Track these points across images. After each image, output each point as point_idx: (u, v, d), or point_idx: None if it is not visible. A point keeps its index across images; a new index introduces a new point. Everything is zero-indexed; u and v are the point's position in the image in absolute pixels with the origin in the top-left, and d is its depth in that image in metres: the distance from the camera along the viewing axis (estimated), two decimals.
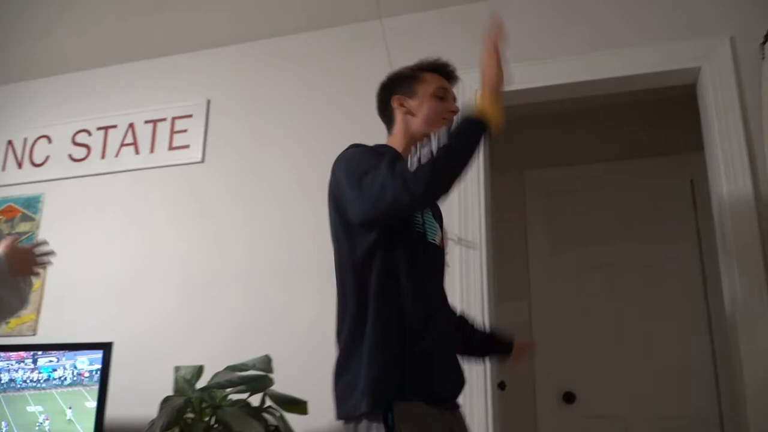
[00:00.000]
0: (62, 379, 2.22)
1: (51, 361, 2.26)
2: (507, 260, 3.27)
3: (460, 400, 1.44)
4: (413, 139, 1.54)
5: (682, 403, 2.89)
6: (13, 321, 2.70)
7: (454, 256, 2.25)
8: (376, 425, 1.24)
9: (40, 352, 2.28)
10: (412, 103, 1.55)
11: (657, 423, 2.90)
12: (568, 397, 3.07)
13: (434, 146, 1.26)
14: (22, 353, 2.29)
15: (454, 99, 1.59)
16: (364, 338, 1.31)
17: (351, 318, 1.35)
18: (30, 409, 2.20)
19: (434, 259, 1.47)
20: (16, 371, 2.27)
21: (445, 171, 1.26)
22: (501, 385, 2.94)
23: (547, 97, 2.38)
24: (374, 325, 1.31)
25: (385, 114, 1.61)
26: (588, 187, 3.26)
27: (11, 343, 2.51)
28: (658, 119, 3.21)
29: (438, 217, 1.59)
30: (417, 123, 1.54)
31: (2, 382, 2.26)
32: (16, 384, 2.25)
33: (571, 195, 3.29)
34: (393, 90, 1.58)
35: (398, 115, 1.57)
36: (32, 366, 2.26)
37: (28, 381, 2.24)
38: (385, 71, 1.66)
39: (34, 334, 2.66)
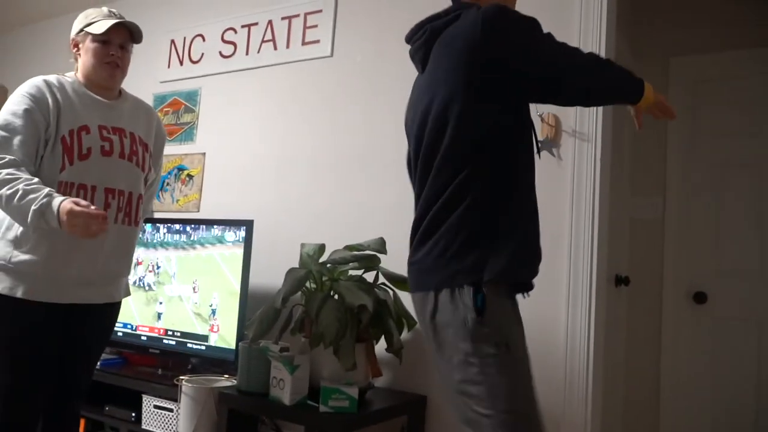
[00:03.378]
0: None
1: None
2: (644, 153, 3.12)
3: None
4: None
5: None
6: (182, 199, 3.18)
7: (567, 149, 2.23)
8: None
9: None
10: None
11: None
12: (699, 297, 2.97)
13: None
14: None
15: None
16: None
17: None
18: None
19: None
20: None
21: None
22: (624, 280, 2.93)
23: None
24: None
25: None
26: (738, 75, 2.93)
27: (178, 217, 2.96)
28: None
29: None
30: None
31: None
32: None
33: (718, 84, 2.99)
34: None
35: None
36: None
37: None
38: None
39: (198, 211, 3.11)
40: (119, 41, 1.89)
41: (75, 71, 1.92)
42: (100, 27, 1.84)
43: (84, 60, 1.88)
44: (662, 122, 3.10)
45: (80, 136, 1.79)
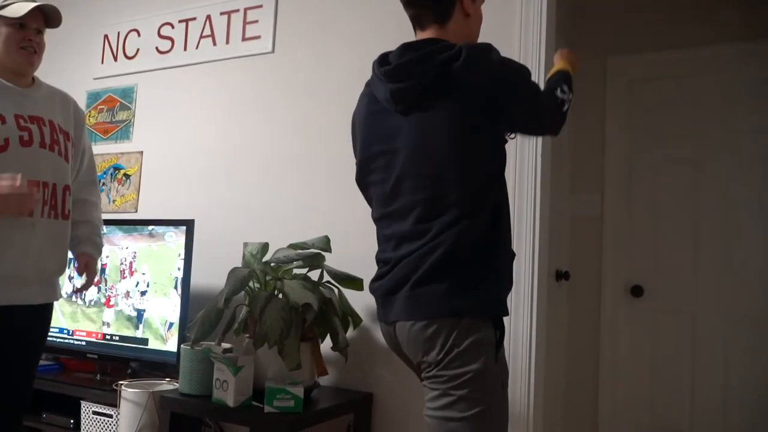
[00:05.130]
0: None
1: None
2: (583, 152, 3.20)
3: None
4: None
5: (753, 304, 2.81)
6: (118, 199, 3.07)
7: (509, 145, 2.25)
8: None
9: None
10: (472, 7, 1.48)
11: (725, 322, 2.87)
12: (636, 291, 3.07)
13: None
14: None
15: None
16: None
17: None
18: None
19: None
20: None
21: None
22: (565, 275, 3.00)
23: None
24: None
25: (439, 3, 1.45)
26: (674, 74, 3.04)
27: (115, 218, 2.85)
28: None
29: None
30: (472, 30, 1.51)
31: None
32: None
33: (656, 83, 3.10)
34: None
35: (458, 14, 1.46)
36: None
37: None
38: None
39: (135, 211, 3.01)
40: (35, 25, 1.80)
41: None
42: (17, 10, 1.75)
43: None
44: (601, 122, 3.19)
45: None
